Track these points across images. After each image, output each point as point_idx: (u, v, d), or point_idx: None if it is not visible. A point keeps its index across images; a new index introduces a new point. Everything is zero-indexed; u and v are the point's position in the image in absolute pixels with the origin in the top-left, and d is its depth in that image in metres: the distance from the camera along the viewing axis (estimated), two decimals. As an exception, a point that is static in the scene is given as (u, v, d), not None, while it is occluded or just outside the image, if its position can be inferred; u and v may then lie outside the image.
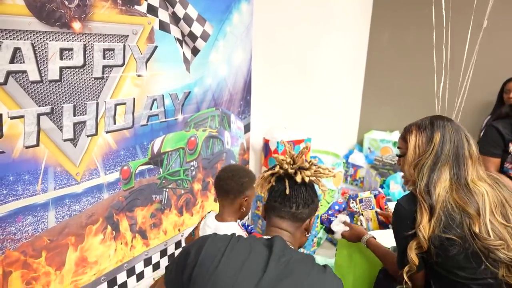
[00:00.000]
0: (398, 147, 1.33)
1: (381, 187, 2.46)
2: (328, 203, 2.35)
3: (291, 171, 1.02)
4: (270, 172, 1.05)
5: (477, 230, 1.09)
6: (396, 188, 2.29)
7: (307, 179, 1.01)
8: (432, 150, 1.20)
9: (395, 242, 1.28)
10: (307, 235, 1.09)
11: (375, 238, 1.49)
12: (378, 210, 1.57)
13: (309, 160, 1.06)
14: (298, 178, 1.00)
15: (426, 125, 1.26)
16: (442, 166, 1.18)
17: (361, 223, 1.58)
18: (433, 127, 1.23)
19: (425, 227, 1.12)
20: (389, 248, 1.48)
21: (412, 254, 1.14)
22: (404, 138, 1.29)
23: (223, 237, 0.96)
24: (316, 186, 1.08)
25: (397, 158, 1.40)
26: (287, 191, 1.00)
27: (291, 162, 1.04)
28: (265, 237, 1.00)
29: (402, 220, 1.20)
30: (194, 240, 0.98)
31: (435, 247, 1.12)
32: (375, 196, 1.56)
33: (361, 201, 1.59)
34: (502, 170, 1.80)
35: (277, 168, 1.04)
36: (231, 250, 0.90)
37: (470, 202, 1.13)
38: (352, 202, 1.61)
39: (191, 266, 0.89)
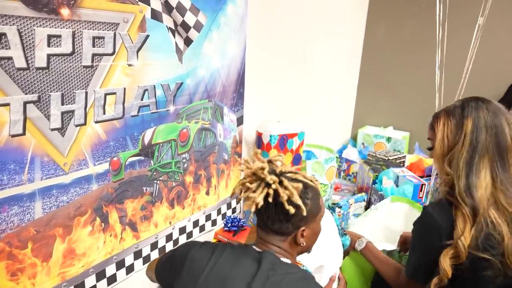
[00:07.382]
0: (428, 138, 1.12)
1: (374, 182, 2.45)
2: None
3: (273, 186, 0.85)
4: (255, 185, 0.88)
5: None
6: (389, 183, 2.28)
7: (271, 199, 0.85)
8: (464, 140, 0.97)
9: (409, 250, 1.13)
10: (303, 244, 0.93)
11: (371, 243, 1.37)
12: None
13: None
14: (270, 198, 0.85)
15: (456, 109, 1.02)
16: (480, 160, 0.96)
17: None
18: (464, 112, 1.00)
19: (466, 237, 0.94)
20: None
21: (446, 264, 0.96)
22: (432, 127, 1.08)
23: (207, 247, 0.88)
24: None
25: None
26: (253, 210, 0.86)
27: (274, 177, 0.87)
28: (256, 248, 0.90)
29: (430, 232, 1.01)
30: (181, 245, 0.92)
31: (469, 262, 0.95)
32: None
33: None
34: None
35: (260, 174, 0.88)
36: (213, 264, 0.83)
37: None
38: None
39: (173, 277, 0.85)
